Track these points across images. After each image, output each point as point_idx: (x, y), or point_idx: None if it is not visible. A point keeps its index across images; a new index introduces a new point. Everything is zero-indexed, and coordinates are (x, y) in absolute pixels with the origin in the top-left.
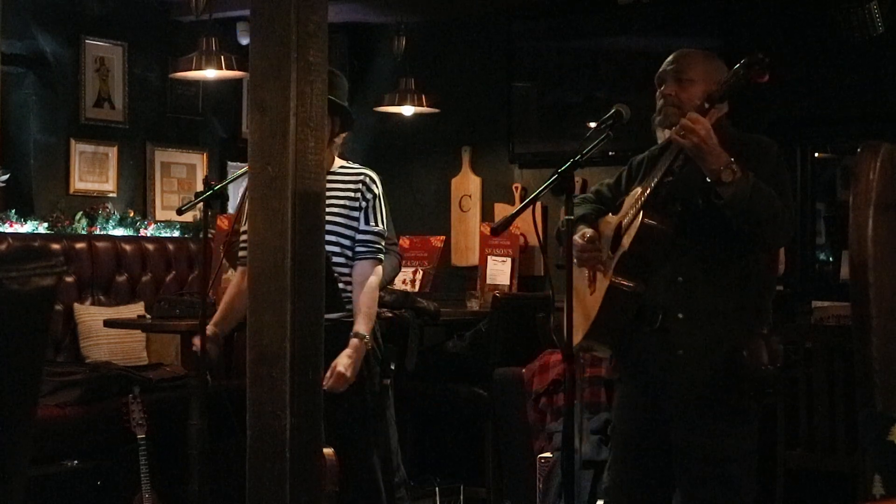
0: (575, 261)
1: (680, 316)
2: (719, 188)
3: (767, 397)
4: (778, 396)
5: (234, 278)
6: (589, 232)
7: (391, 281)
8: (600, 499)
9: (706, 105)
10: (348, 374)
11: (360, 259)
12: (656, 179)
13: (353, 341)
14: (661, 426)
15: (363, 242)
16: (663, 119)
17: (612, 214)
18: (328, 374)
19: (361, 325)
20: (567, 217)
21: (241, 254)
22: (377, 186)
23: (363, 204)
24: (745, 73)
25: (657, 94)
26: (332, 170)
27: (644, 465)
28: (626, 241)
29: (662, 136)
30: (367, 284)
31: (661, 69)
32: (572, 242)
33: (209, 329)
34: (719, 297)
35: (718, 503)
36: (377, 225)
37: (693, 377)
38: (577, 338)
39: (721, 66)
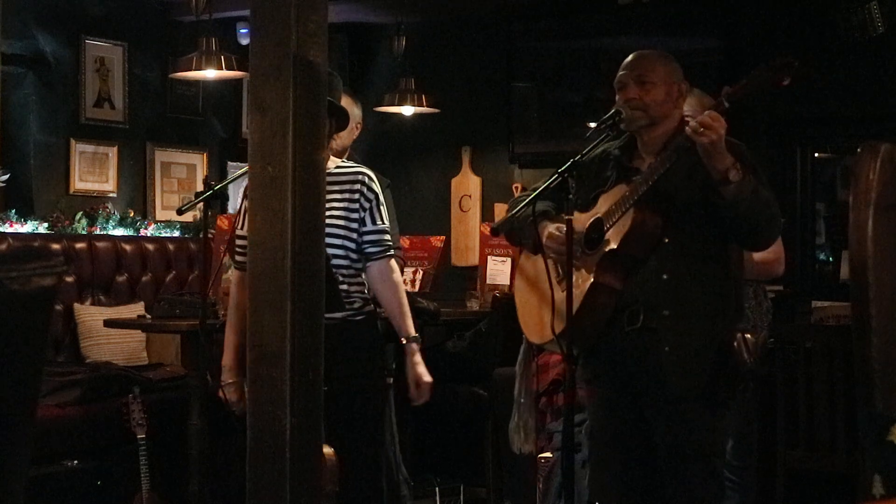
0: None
1: (666, 313)
2: (723, 188)
3: (749, 392)
4: (778, 396)
5: (231, 291)
6: (558, 230)
7: None
8: (593, 502)
9: (726, 104)
10: (430, 379)
11: (376, 259)
12: (654, 178)
13: (412, 346)
14: (644, 426)
15: (374, 242)
16: (629, 123)
17: (579, 211)
18: (414, 389)
19: (408, 328)
20: (567, 217)
21: (238, 258)
22: (376, 185)
23: (366, 204)
24: (772, 75)
25: (617, 98)
26: (328, 170)
27: (631, 466)
28: (615, 238)
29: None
30: (391, 284)
31: (620, 73)
32: (572, 241)
33: (229, 379)
34: (704, 294)
35: (710, 498)
36: (383, 223)
37: (682, 373)
38: (544, 333)
39: (677, 67)
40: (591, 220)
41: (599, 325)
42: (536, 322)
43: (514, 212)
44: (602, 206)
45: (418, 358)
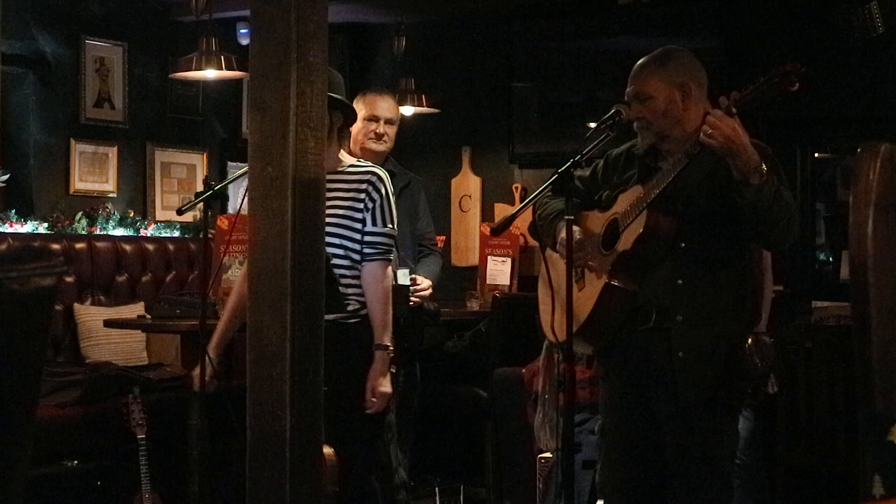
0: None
1: (679, 318)
2: (744, 189)
3: (761, 395)
4: (777, 397)
5: (236, 284)
6: (577, 232)
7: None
8: (600, 498)
9: (734, 110)
10: (389, 390)
11: (370, 261)
12: (667, 180)
13: (378, 354)
14: (654, 426)
15: (371, 244)
16: (642, 141)
17: (600, 210)
18: (369, 396)
19: (383, 336)
20: (567, 217)
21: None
22: (385, 185)
23: (370, 204)
24: (780, 81)
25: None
26: (339, 168)
27: (639, 464)
28: (628, 240)
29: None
30: (379, 289)
31: (626, 94)
32: (572, 241)
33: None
34: (719, 299)
35: (716, 501)
36: (386, 226)
37: (694, 378)
38: (560, 332)
39: (679, 65)
40: (609, 220)
41: (614, 326)
42: (554, 321)
43: (538, 212)
44: (619, 206)
45: (380, 367)
